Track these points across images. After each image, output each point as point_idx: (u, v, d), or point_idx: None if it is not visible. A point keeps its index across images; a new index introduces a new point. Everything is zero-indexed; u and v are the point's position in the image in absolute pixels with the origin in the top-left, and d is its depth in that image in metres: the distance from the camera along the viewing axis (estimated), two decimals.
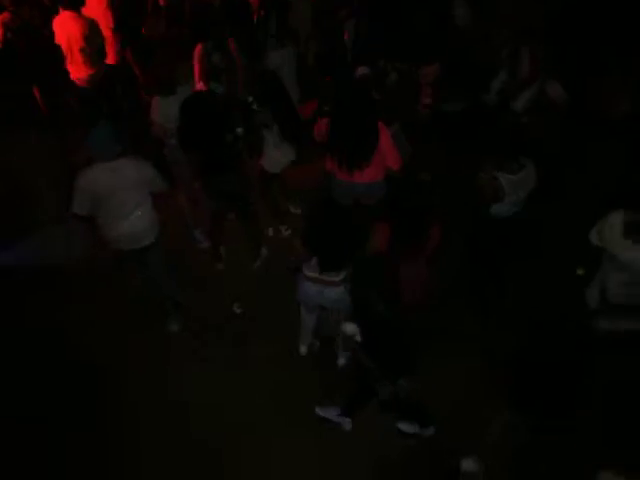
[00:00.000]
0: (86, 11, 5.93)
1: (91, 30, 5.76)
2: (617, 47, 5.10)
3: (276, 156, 4.59)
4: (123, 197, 3.84)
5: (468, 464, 3.46)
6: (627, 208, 3.30)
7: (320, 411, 3.81)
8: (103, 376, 4.14)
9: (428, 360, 3.44)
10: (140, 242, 4.05)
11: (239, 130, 4.24)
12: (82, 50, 5.77)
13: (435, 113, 5.32)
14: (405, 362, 3.25)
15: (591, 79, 5.03)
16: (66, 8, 5.66)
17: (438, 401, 3.69)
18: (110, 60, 6.15)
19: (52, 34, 5.80)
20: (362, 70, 4.79)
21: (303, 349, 4.27)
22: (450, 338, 4.05)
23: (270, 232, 5.24)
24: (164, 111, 4.54)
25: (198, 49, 5.08)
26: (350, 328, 3.33)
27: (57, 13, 5.78)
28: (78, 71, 5.90)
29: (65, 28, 5.72)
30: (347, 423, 3.78)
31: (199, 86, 5.03)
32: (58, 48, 5.78)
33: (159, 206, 4.12)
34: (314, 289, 3.72)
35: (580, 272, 4.14)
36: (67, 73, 5.91)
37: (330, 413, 3.79)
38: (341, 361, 4.19)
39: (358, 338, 3.32)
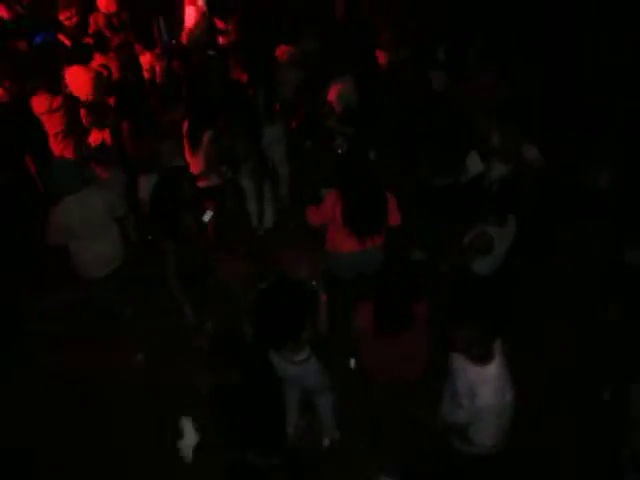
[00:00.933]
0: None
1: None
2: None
3: None
4: (92, 224, 4.21)
5: None
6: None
7: None
8: None
9: None
10: (110, 265, 4.41)
11: (206, 216, 4.23)
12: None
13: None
14: None
15: (566, 146, 5.11)
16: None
17: None
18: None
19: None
20: None
21: (290, 429, 4.15)
22: None
23: None
24: (149, 189, 4.50)
25: (206, 137, 5.02)
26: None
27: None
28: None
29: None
30: None
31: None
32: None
33: None
34: (281, 368, 3.66)
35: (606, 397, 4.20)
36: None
37: None
38: (326, 441, 4.14)
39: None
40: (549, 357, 4.41)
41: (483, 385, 2.97)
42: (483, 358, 2.99)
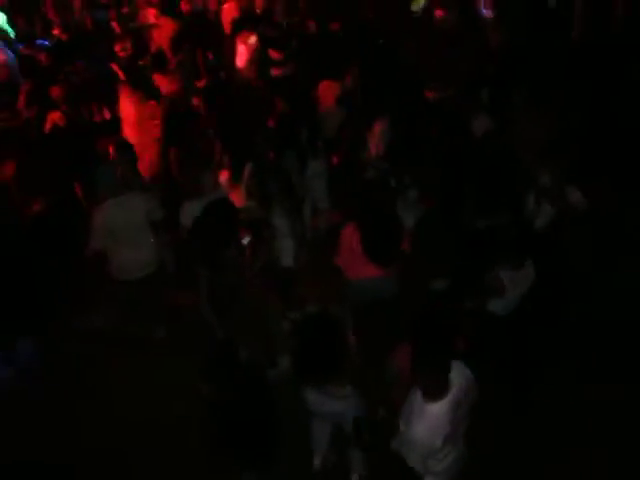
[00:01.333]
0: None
1: None
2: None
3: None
4: (133, 227, 4.45)
5: None
6: None
7: None
8: None
9: None
10: (145, 270, 4.63)
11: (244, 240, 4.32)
12: None
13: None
14: None
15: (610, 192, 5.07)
16: None
17: None
18: None
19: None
20: None
21: (317, 461, 4.16)
22: None
23: None
24: (193, 215, 4.55)
25: (246, 170, 5.15)
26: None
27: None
28: None
29: None
30: None
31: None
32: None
33: None
34: (314, 399, 3.66)
35: None
36: None
37: None
38: (355, 477, 4.08)
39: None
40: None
41: (418, 418, 2.95)
42: (427, 393, 2.98)
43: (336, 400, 3.59)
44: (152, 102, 6.43)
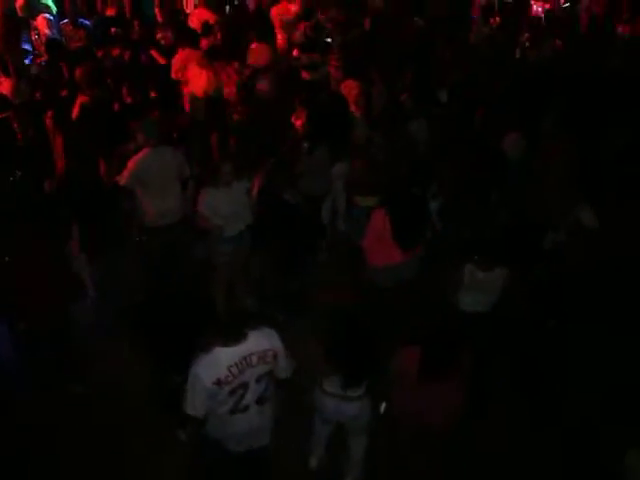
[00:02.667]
0: None
1: None
2: None
3: None
4: (163, 177, 4.93)
5: None
6: None
7: None
8: None
9: None
10: (171, 217, 5.04)
11: None
12: None
13: None
14: None
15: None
16: None
17: None
18: None
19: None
20: None
21: (314, 462, 4.13)
22: None
23: None
24: (210, 202, 4.72)
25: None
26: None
27: None
28: None
29: None
30: None
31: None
32: None
33: None
34: (333, 404, 3.66)
35: None
36: None
37: None
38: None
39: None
40: None
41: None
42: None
43: (351, 402, 3.60)
44: None
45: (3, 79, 6.69)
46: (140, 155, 4.97)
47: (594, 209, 4.75)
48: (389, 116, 5.86)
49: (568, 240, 4.85)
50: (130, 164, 4.93)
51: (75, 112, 6.01)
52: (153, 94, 6.73)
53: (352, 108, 6.08)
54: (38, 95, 6.49)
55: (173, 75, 7.14)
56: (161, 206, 5.01)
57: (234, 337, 3.08)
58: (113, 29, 8.24)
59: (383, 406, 4.26)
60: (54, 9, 9.30)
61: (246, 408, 3.17)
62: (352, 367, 3.52)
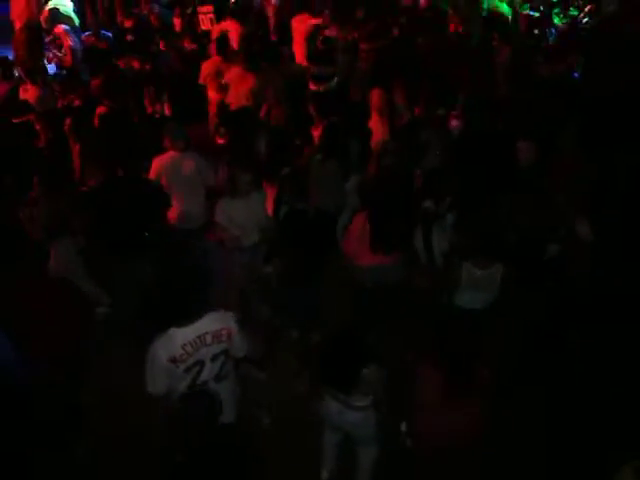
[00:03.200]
0: None
1: None
2: None
3: None
4: (186, 181, 5.13)
5: None
6: None
7: None
8: None
9: None
10: (195, 223, 5.22)
11: None
12: None
13: None
14: None
15: None
16: None
17: None
18: None
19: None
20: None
21: (325, 474, 4.09)
22: None
23: None
24: (227, 213, 4.74)
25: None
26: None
27: None
28: None
29: None
30: None
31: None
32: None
33: None
34: (336, 409, 3.64)
35: None
36: None
37: None
38: None
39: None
40: None
41: None
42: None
43: (354, 411, 3.58)
44: None
45: (29, 86, 6.90)
46: (165, 156, 5.23)
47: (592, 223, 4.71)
48: (408, 125, 5.88)
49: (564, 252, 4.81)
50: (155, 163, 5.21)
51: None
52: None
53: (374, 117, 6.09)
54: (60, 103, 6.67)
55: (201, 80, 7.28)
56: (183, 210, 5.18)
57: (188, 317, 3.22)
58: (128, 37, 8.44)
59: (404, 426, 4.23)
60: (76, 21, 9.49)
61: (204, 384, 3.31)
62: (339, 374, 3.52)
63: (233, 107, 6.90)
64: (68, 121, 6.12)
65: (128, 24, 9.26)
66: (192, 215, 5.28)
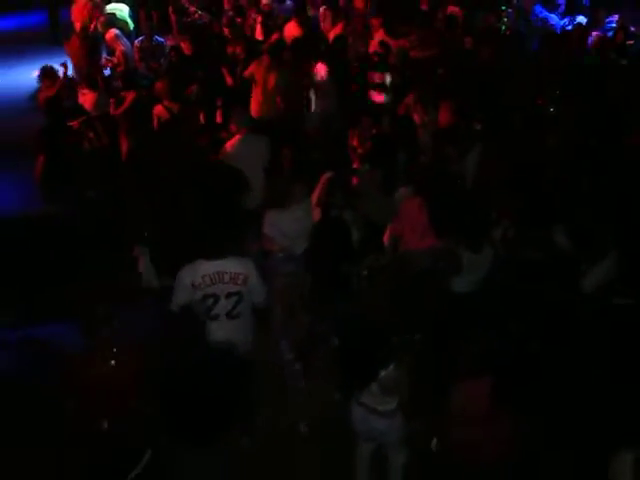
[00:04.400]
0: None
1: None
2: None
3: None
4: (248, 162, 5.48)
5: None
6: None
7: None
8: None
9: None
10: (254, 202, 5.47)
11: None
12: None
13: None
14: None
15: None
16: None
17: None
18: None
19: None
20: None
21: None
22: None
23: None
24: (278, 225, 4.75)
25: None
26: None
27: None
28: None
29: None
30: None
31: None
32: None
33: None
34: (362, 416, 3.65)
35: None
36: None
37: None
38: None
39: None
40: None
41: None
42: None
43: (381, 417, 3.58)
44: None
45: (86, 91, 7.07)
46: (232, 140, 5.74)
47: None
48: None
49: None
50: (225, 147, 5.75)
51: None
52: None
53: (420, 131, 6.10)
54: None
55: (246, 73, 7.34)
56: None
57: (213, 255, 3.83)
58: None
59: (434, 443, 4.19)
60: (131, 26, 9.73)
61: (216, 317, 3.89)
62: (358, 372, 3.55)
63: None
64: (124, 126, 6.32)
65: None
66: (253, 194, 5.53)
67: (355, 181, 5.51)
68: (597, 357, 4.11)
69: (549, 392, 3.93)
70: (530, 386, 3.57)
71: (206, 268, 3.85)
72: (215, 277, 3.85)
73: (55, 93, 6.84)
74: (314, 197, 5.10)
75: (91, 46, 8.64)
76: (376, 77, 7.34)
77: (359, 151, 5.99)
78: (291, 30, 8.57)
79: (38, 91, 7.48)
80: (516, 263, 4.74)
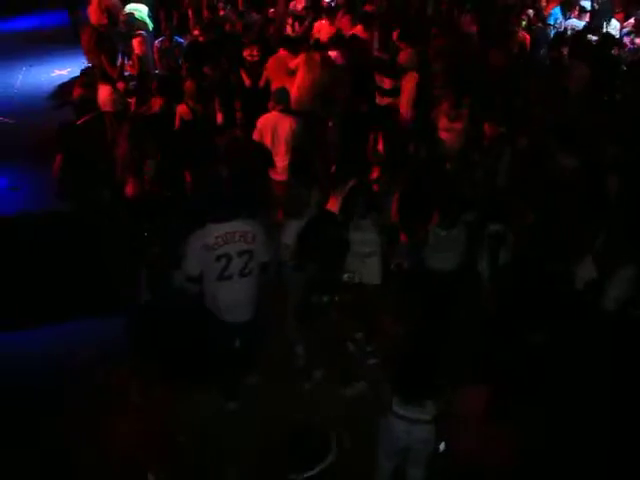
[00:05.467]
0: None
1: None
2: None
3: None
4: (275, 137, 5.95)
5: None
6: None
7: None
8: None
9: None
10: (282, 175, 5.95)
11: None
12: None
13: None
14: None
15: None
16: None
17: None
18: None
19: None
20: None
21: None
22: None
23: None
24: (294, 233, 4.61)
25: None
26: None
27: None
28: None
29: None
30: None
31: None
32: None
33: None
34: (401, 428, 3.58)
35: None
36: None
37: None
38: None
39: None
40: None
41: None
42: None
43: (422, 425, 3.55)
44: None
45: (102, 86, 7.16)
46: (268, 115, 6.02)
47: None
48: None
49: None
50: (259, 122, 6.02)
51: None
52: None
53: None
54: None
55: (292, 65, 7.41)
56: (277, 165, 5.94)
57: (224, 216, 4.12)
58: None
59: (442, 445, 4.16)
60: (151, 26, 9.76)
61: (230, 277, 4.11)
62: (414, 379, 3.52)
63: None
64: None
65: (195, 32, 9.41)
66: (284, 169, 5.89)
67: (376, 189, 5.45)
68: (604, 364, 4.12)
69: (552, 396, 3.97)
70: (532, 390, 3.57)
71: (217, 230, 4.10)
72: (227, 237, 4.10)
73: (89, 93, 6.97)
74: (335, 205, 5.09)
75: (99, 40, 8.57)
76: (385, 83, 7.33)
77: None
78: (323, 28, 8.92)
79: (73, 86, 7.62)
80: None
